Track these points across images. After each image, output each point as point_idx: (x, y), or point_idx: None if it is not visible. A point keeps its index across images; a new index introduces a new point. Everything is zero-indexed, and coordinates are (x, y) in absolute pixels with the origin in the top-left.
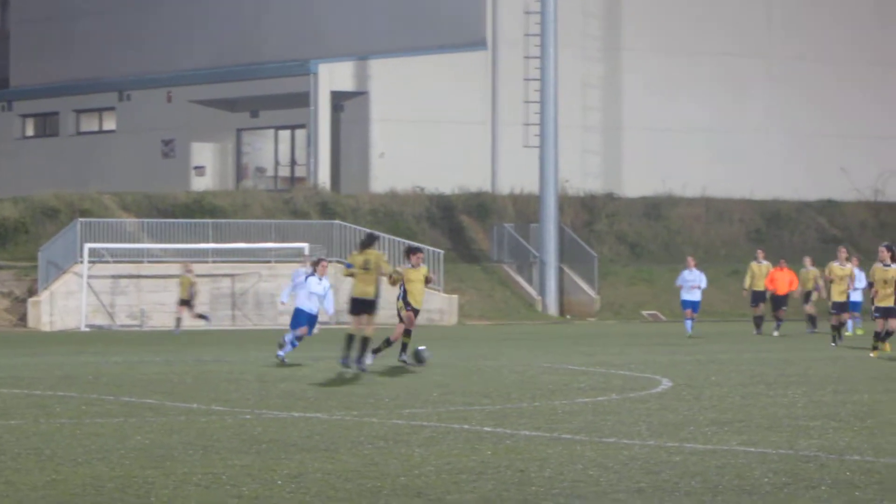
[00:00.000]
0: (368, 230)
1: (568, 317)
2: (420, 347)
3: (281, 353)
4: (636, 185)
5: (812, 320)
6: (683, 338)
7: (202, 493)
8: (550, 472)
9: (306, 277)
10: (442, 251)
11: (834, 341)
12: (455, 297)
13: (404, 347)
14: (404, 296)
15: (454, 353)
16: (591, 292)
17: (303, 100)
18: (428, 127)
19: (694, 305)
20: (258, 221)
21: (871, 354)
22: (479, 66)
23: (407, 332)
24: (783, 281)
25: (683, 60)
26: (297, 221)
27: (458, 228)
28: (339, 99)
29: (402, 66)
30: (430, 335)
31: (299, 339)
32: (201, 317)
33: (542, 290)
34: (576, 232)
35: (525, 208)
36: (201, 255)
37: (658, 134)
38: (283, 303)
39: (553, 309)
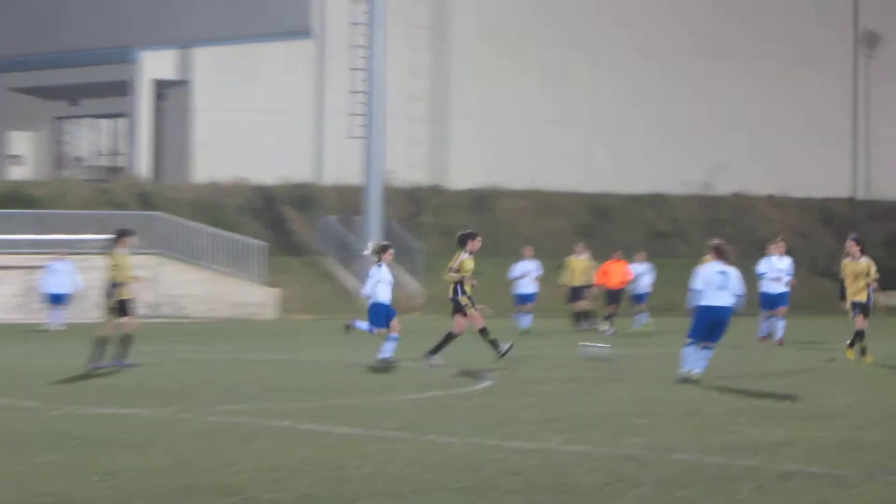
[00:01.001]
0: (188, 221)
1: None
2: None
3: (387, 355)
4: (462, 176)
5: (586, 316)
6: (510, 333)
7: (8, 491)
8: (368, 471)
9: (377, 267)
10: (266, 243)
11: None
12: (277, 290)
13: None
14: (462, 289)
15: (274, 348)
16: (417, 286)
17: (124, 88)
18: (252, 117)
19: (529, 298)
20: (79, 212)
21: (868, 360)
22: (306, 55)
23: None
24: (618, 273)
25: (511, 51)
26: (117, 213)
27: (281, 220)
28: (161, 87)
29: (226, 55)
30: (249, 330)
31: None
32: None
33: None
34: (401, 224)
35: (350, 200)
36: (18, 247)
37: (485, 125)
38: (367, 297)
39: None
